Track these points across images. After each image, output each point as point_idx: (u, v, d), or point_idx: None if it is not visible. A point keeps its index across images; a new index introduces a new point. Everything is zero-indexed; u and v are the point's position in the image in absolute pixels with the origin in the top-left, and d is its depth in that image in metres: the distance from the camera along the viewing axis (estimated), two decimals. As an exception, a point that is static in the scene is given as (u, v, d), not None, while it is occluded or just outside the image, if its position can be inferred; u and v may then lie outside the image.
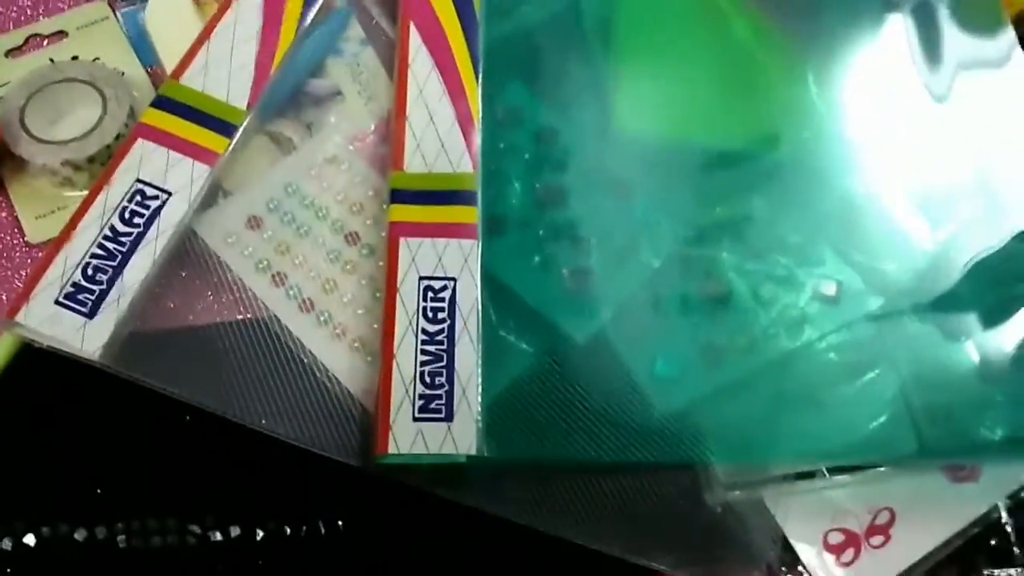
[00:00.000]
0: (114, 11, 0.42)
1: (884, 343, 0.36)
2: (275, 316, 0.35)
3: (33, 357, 0.32)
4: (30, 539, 0.31)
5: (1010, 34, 0.41)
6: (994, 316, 0.36)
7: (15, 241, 0.37)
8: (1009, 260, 0.37)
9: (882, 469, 0.34)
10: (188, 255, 0.35)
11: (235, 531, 0.32)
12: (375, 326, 0.35)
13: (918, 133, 0.40)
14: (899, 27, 0.42)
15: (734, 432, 0.33)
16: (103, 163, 0.37)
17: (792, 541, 0.33)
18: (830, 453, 0.34)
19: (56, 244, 0.33)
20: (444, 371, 0.32)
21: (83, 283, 0.32)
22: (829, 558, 0.33)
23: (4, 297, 0.36)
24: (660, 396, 0.33)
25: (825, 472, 0.34)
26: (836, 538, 0.34)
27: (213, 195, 0.36)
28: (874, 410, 0.34)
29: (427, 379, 0.32)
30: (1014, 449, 0.34)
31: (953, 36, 0.41)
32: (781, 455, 0.33)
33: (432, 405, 0.31)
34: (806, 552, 0.33)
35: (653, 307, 0.35)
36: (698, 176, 0.39)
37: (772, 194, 0.38)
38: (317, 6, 0.39)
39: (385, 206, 0.36)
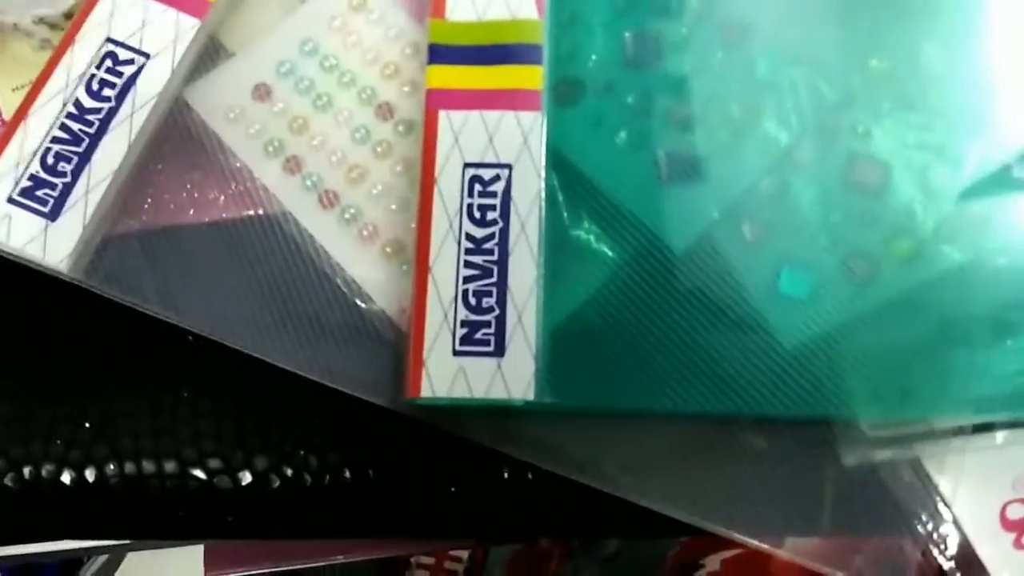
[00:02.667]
0: None
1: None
2: (288, 213, 0.28)
3: (5, 265, 0.26)
4: (11, 481, 0.26)
5: None
6: None
7: (-11, 119, 0.31)
8: None
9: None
10: (178, 135, 0.28)
11: (246, 478, 0.26)
12: (413, 226, 0.27)
13: None
14: None
15: (887, 371, 0.25)
16: (80, 19, 0.29)
17: (958, 514, 0.25)
18: (1021, 398, 0.25)
19: (9, 127, 0.26)
20: (494, 290, 0.24)
21: (42, 175, 0.25)
22: (1006, 538, 0.25)
23: (-23, 189, 0.30)
24: (786, 322, 0.25)
25: (1011, 424, 0.25)
26: (1018, 512, 0.25)
27: (210, 57, 0.29)
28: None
29: (472, 300, 0.24)
30: None
31: None
32: (951, 403, 0.25)
33: (478, 335, 0.24)
34: (976, 529, 0.25)
35: (779, 200, 0.26)
36: (845, 16, 0.28)
37: (949, 40, 0.28)
38: None
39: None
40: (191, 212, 0.28)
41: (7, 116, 0.31)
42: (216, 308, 0.26)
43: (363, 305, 0.27)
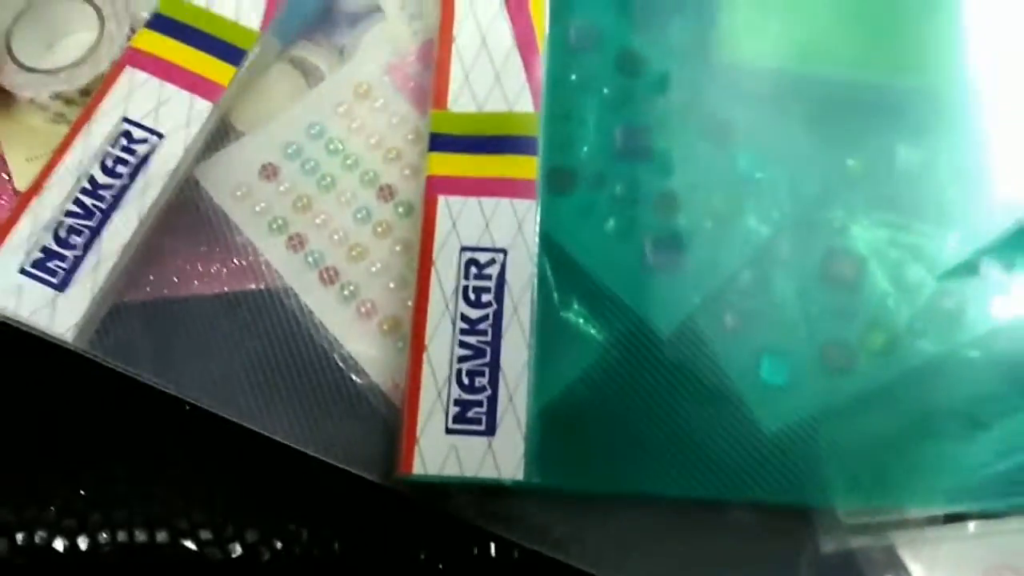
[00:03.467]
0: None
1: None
2: (290, 288, 0.29)
3: (8, 333, 0.27)
4: (3, 547, 0.27)
5: None
6: None
7: (2, 187, 0.32)
8: None
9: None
10: (186, 211, 0.29)
11: (236, 549, 0.27)
12: (410, 304, 0.28)
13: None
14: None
15: (864, 461, 0.26)
16: (97, 96, 0.31)
17: (932, 603, 0.25)
18: (991, 490, 0.26)
19: (24, 199, 0.27)
20: (487, 370, 0.25)
21: (54, 247, 0.26)
22: (979, 626, 0.26)
23: (-15, 255, 0.31)
24: (767, 409, 0.26)
25: (982, 515, 0.26)
26: (990, 601, 0.26)
27: (221, 136, 0.30)
28: (1052, 433, 0.26)
29: (465, 380, 0.25)
30: None
31: None
32: (925, 493, 0.26)
33: (470, 414, 0.25)
34: (949, 617, 0.26)
35: (759, 290, 0.28)
36: (824, 118, 0.30)
37: (923, 142, 0.30)
38: (349, -101, 0.31)
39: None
40: (195, 284, 0.28)
41: (19, 185, 0.32)
42: (214, 380, 0.27)
43: (358, 380, 0.28)
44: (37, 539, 0.27)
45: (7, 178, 0.32)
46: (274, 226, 0.29)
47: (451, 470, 0.24)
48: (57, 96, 0.31)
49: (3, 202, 0.32)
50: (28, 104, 0.32)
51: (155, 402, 0.27)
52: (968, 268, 0.28)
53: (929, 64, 0.31)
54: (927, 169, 0.30)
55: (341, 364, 0.28)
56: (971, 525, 0.26)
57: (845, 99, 0.31)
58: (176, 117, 0.28)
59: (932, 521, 0.26)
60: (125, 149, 0.28)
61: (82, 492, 0.27)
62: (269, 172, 0.30)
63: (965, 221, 0.29)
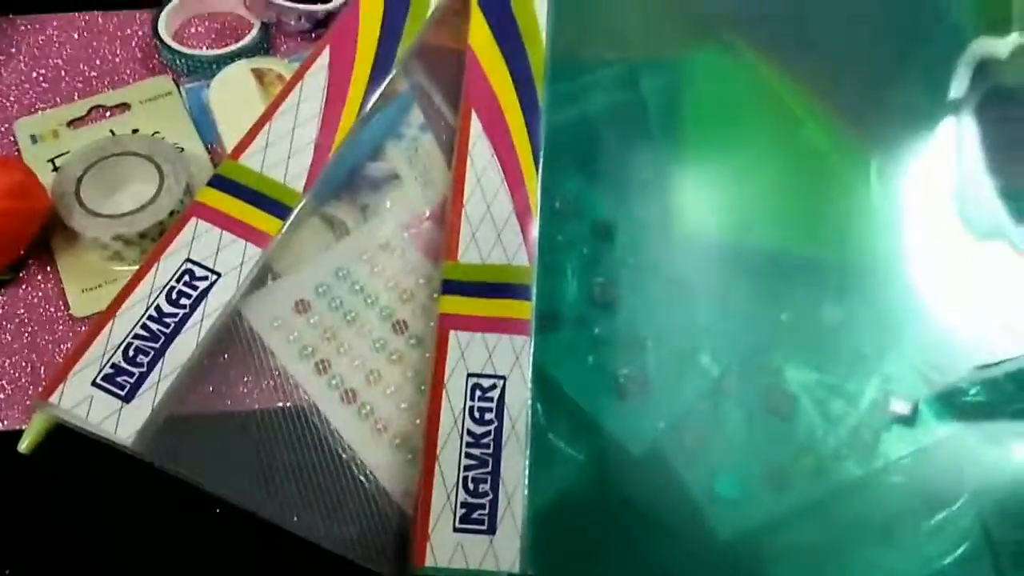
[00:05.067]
0: (178, 87, 0.42)
1: (963, 470, 0.33)
2: (315, 406, 0.33)
3: (62, 437, 0.31)
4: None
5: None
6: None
7: (59, 313, 0.37)
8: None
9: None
10: (232, 338, 0.34)
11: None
12: (418, 422, 0.33)
13: (997, 243, 0.38)
14: (975, 132, 0.40)
15: (799, 563, 0.31)
16: (154, 239, 0.36)
17: None
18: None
19: (99, 322, 0.32)
20: (489, 478, 0.30)
21: (123, 365, 0.31)
22: None
23: (42, 371, 0.35)
24: (720, 518, 0.31)
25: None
26: None
27: (262, 277, 0.35)
28: (951, 545, 0.32)
29: (470, 486, 0.30)
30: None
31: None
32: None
33: (474, 515, 0.29)
34: None
35: (713, 418, 0.33)
36: (763, 280, 0.37)
37: (842, 302, 0.36)
38: (380, 90, 0.38)
39: (435, 295, 0.35)
40: (236, 400, 0.33)
41: (75, 312, 0.37)
42: (246, 483, 0.31)
43: (372, 487, 0.32)
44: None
45: (63, 304, 0.37)
46: (304, 353, 0.34)
47: (458, 563, 0.29)
48: (118, 237, 0.36)
49: (61, 327, 0.36)
50: (90, 243, 0.37)
51: (188, 505, 0.31)
52: (881, 405, 0.34)
53: (846, 239, 0.39)
54: (845, 324, 0.36)
55: (360, 475, 0.32)
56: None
57: (778, 266, 0.37)
58: (232, 260, 0.34)
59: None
60: (188, 284, 0.33)
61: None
62: (302, 307, 0.35)
63: (877, 366, 0.35)
